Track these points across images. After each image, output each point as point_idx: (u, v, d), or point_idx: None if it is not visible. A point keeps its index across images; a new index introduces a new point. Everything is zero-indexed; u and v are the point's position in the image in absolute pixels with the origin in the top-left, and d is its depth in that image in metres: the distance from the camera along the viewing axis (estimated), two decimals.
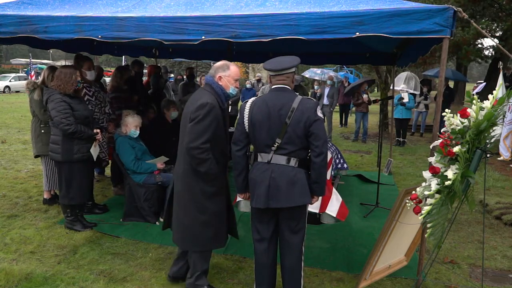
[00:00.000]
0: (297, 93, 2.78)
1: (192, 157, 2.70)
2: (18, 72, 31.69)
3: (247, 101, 2.81)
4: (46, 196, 4.87)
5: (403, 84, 10.88)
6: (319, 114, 2.64)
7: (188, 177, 2.83)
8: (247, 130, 2.74)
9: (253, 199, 2.77)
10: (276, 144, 2.64)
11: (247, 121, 2.72)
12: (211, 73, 2.87)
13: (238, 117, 2.81)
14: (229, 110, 6.27)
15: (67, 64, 4.19)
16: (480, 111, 2.49)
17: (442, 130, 2.60)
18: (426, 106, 11.74)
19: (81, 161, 3.95)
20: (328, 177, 4.90)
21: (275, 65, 2.71)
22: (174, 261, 3.20)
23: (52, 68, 4.42)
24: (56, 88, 3.84)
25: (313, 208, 4.43)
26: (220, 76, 2.83)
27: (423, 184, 2.62)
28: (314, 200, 2.79)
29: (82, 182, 4.03)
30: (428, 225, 2.51)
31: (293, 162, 2.66)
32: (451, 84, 14.99)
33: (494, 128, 2.47)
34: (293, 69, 2.74)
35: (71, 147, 3.88)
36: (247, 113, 2.73)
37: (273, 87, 2.75)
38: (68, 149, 3.87)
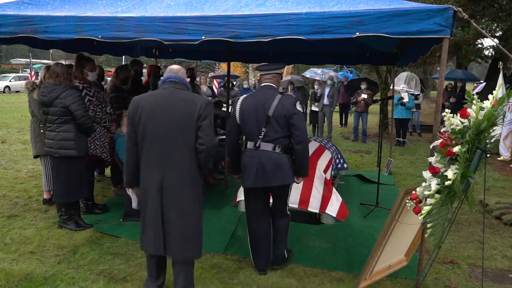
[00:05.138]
0: (283, 91, 3.30)
1: (212, 155, 2.72)
2: (18, 72, 31.67)
3: (239, 97, 3.31)
4: (46, 196, 4.87)
5: (403, 84, 10.88)
6: (298, 108, 3.11)
7: (197, 184, 2.77)
8: (238, 122, 3.24)
9: (244, 181, 3.25)
10: (262, 132, 3.12)
11: (238, 114, 3.23)
12: (183, 73, 2.87)
13: (231, 111, 3.29)
14: (229, 110, 6.29)
15: (66, 63, 4.19)
16: (480, 111, 2.49)
17: (442, 130, 2.60)
18: (418, 106, 11.67)
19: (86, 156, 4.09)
20: (328, 177, 4.91)
21: (263, 67, 3.29)
22: (154, 279, 2.92)
23: (50, 68, 4.42)
24: (68, 83, 3.93)
25: (313, 208, 4.44)
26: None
27: (423, 184, 2.62)
28: (300, 180, 3.29)
29: (85, 177, 4.15)
30: (428, 225, 2.51)
31: (278, 149, 3.14)
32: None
33: (494, 128, 2.47)
34: (279, 71, 3.27)
35: (85, 142, 4.04)
36: (238, 107, 3.23)
37: (261, 85, 3.28)
38: (83, 144, 4.00)
